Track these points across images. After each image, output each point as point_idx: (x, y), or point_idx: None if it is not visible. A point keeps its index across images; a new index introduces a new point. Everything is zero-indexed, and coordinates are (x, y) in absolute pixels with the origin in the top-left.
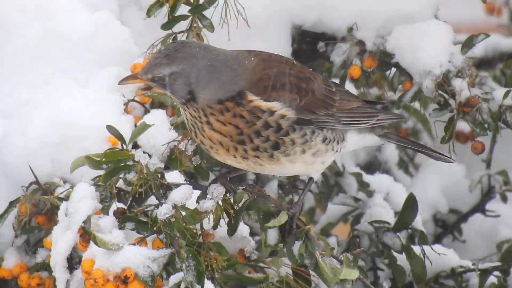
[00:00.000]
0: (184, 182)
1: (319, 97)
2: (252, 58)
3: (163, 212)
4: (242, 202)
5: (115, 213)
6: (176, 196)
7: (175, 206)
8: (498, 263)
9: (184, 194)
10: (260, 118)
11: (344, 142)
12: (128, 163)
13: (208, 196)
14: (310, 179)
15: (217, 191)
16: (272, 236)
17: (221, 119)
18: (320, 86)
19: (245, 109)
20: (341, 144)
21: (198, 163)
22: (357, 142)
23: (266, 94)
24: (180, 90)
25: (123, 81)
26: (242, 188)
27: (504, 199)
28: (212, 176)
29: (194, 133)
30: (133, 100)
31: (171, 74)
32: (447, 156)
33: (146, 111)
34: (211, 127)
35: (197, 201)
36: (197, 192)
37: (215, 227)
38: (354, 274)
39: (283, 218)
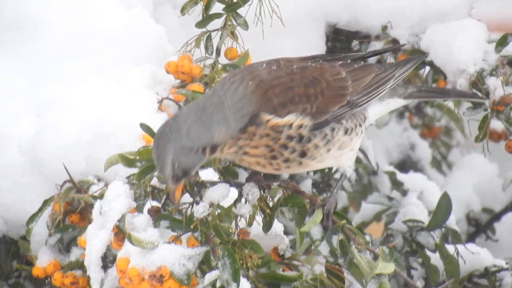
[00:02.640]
0: (220, 180)
1: (330, 94)
2: (250, 83)
3: (201, 210)
4: (276, 198)
5: (149, 211)
6: (213, 194)
7: (212, 205)
8: None
9: (221, 193)
10: (282, 132)
11: (366, 120)
12: None
13: (243, 198)
14: (342, 174)
15: (252, 193)
16: (317, 231)
17: (251, 144)
18: (328, 81)
19: (267, 128)
20: (364, 123)
21: (228, 163)
22: (381, 111)
23: (278, 112)
24: (193, 160)
25: (176, 201)
26: (276, 184)
27: None
28: (243, 174)
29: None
30: (167, 98)
31: (174, 162)
32: (478, 96)
33: (180, 109)
34: (248, 154)
35: (234, 205)
36: (233, 190)
37: (250, 225)
38: (390, 267)
39: (318, 216)
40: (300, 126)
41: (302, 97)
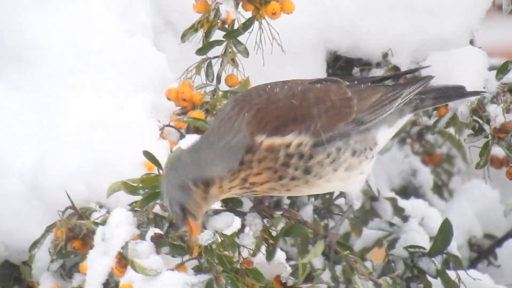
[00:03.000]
0: (223, 208)
1: (335, 113)
2: (246, 115)
3: (205, 238)
4: (279, 228)
5: (152, 239)
6: (217, 223)
7: (216, 233)
8: None
9: (225, 222)
10: (279, 151)
11: (377, 145)
12: None
13: (246, 228)
14: (349, 206)
15: (255, 224)
16: (318, 261)
17: (254, 172)
18: (333, 101)
19: (262, 151)
20: (374, 148)
21: None
22: (390, 134)
23: (275, 133)
24: (183, 195)
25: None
26: (279, 213)
27: None
28: (246, 202)
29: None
30: (168, 125)
31: (170, 203)
32: (479, 92)
33: (182, 136)
34: (256, 184)
35: (237, 236)
36: (237, 219)
37: (254, 255)
38: None
39: (319, 248)
40: (300, 145)
41: (305, 117)
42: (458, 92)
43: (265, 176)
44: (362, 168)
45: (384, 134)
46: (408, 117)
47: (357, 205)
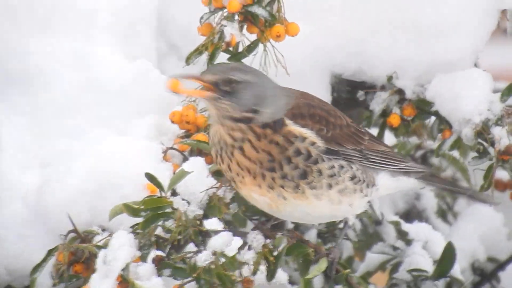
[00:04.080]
0: (223, 229)
1: (347, 133)
2: (298, 95)
3: (203, 258)
4: (281, 247)
5: (154, 261)
6: (216, 243)
7: (215, 253)
8: None
9: (224, 241)
10: (292, 143)
11: (375, 186)
12: (166, 210)
13: (248, 244)
14: (345, 223)
15: (257, 240)
16: (318, 281)
17: (256, 145)
18: (349, 125)
19: (280, 135)
20: (372, 188)
21: (236, 211)
22: (391, 185)
23: (296, 120)
24: (245, 103)
25: (180, 75)
26: (281, 233)
27: None
28: (250, 224)
29: (219, 157)
30: (171, 148)
31: (243, 81)
32: (490, 199)
33: (185, 159)
34: (243, 152)
35: (238, 251)
36: (237, 239)
37: (254, 273)
38: None
39: (323, 265)
40: (313, 144)
41: (322, 119)
42: (469, 191)
43: (258, 156)
44: (354, 200)
45: (385, 181)
46: (412, 181)
47: (351, 220)
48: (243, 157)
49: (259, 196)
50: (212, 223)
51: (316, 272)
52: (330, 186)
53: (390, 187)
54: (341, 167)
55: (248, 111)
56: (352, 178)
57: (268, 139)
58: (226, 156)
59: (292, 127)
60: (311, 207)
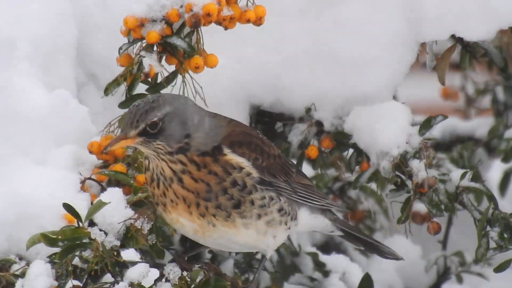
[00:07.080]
0: (141, 260)
1: (279, 163)
2: (228, 121)
3: None
4: (198, 280)
5: None
6: (132, 274)
7: (131, 284)
8: None
9: (141, 272)
10: (230, 174)
11: (296, 221)
12: (84, 240)
13: (165, 276)
14: (263, 256)
15: (174, 272)
16: None
17: (195, 175)
18: (280, 156)
19: (219, 165)
20: (293, 222)
21: (154, 242)
22: (308, 222)
23: (234, 149)
24: (176, 133)
25: (109, 147)
26: (198, 266)
27: (460, 280)
28: (168, 255)
29: (156, 185)
30: (89, 178)
31: (165, 116)
32: (396, 254)
33: (103, 189)
34: (181, 183)
35: (155, 283)
36: (154, 270)
37: None
38: None
39: None
40: (249, 175)
41: (257, 148)
42: (377, 242)
43: (196, 186)
44: (279, 232)
45: (304, 216)
46: (327, 222)
47: (269, 253)
48: (181, 188)
49: (187, 222)
50: (129, 254)
51: None
52: (259, 216)
53: (307, 224)
54: (271, 198)
55: (181, 139)
56: (280, 210)
57: (208, 169)
58: (163, 185)
59: (230, 156)
60: (238, 235)
